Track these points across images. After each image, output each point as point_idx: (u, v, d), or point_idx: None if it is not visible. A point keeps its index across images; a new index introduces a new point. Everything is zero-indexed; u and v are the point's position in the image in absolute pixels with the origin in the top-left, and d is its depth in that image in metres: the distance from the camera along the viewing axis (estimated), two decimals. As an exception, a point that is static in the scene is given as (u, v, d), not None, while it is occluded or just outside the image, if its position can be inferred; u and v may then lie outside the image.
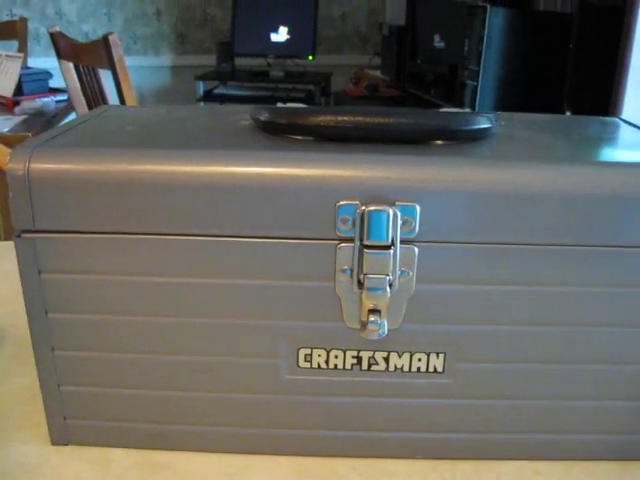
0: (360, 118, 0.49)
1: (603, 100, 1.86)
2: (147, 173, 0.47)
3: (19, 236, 0.48)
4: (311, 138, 0.51)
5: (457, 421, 0.53)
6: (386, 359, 0.51)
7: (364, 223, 0.46)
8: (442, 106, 2.65)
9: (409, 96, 3.07)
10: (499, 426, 0.53)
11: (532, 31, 2.25)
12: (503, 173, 0.46)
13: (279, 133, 0.52)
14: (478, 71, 2.22)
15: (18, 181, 0.47)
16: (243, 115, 0.59)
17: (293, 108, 0.52)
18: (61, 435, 0.54)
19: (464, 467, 0.53)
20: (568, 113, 2.01)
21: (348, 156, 0.47)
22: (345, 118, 0.49)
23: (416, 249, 0.47)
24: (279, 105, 0.55)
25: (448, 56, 2.63)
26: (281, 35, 3.50)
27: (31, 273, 0.49)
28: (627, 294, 0.49)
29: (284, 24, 3.50)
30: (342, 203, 0.46)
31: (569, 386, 0.52)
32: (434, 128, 0.50)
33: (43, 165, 0.47)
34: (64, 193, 0.47)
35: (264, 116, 0.52)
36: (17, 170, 0.47)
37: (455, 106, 2.43)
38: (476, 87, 2.26)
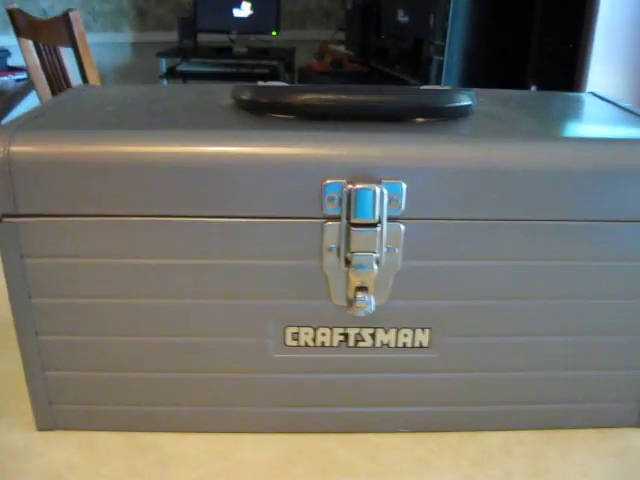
0: (344, 96, 0.49)
1: (567, 75, 1.88)
2: (129, 154, 0.46)
3: (0, 221, 0.47)
4: (294, 117, 0.51)
5: (443, 394, 0.54)
6: (372, 335, 0.51)
7: (350, 201, 0.46)
8: (407, 81, 2.66)
9: (374, 71, 3.06)
10: (483, 398, 0.54)
11: (496, 6, 2.26)
12: (486, 150, 0.47)
13: (262, 112, 0.51)
14: (444, 46, 2.22)
15: (-2, 165, 0.46)
16: (224, 94, 0.58)
17: (275, 86, 0.52)
18: (46, 420, 0.54)
19: (450, 439, 0.54)
20: (533, 88, 2.03)
21: (333, 135, 0.47)
22: (329, 96, 0.49)
23: (402, 226, 0.47)
24: (260, 83, 0.55)
25: (412, 31, 2.62)
26: (244, 11, 3.47)
27: (13, 258, 0.48)
28: (607, 267, 0.50)
29: (247, -1, 3.46)
30: (328, 182, 0.46)
31: (550, 358, 0.53)
32: (417, 106, 0.50)
33: (23, 148, 0.46)
34: (45, 176, 0.46)
35: (246, 95, 0.52)
36: (-4, 153, 0.46)
37: (420, 81, 2.44)
38: (442, 62, 2.26)
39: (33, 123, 0.49)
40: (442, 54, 2.27)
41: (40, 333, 0.51)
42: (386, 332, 0.51)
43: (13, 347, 0.52)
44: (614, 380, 0.54)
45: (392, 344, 0.52)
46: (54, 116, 0.52)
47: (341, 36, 3.44)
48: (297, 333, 0.51)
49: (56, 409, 0.54)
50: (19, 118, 0.50)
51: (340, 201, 0.46)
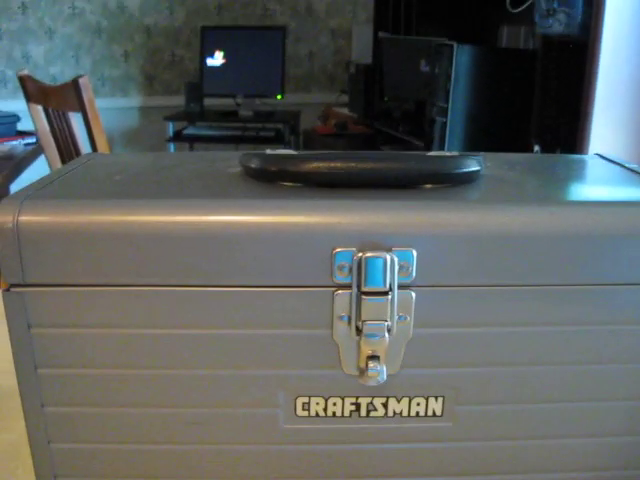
0: (352, 164, 0.49)
1: (570, 134, 1.90)
2: (138, 224, 0.46)
3: (8, 290, 0.47)
4: (302, 184, 0.51)
5: (458, 464, 0.52)
6: (385, 404, 0.50)
7: (361, 270, 0.46)
8: (411, 142, 2.69)
9: (378, 133, 3.10)
10: (500, 467, 0.52)
11: (498, 67, 2.30)
12: (496, 216, 0.47)
13: (270, 180, 0.52)
14: (447, 107, 2.26)
15: (7, 234, 0.46)
16: (232, 162, 0.58)
17: (283, 154, 0.52)
18: (51, 494, 0.53)
19: (465, 512, 0.53)
20: (536, 147, 2.05)
21: (343, 202, 0.47)
22: (338, 164, 0.49)
23: (413, 294, 0.47)
24: (268, 151, 0.55)
25: (415, 93, 2.67)
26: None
27: (20, 328, 0.48)
28: (622, 331, 0.49)
29: (252, 64, 3.53)
30: (338, 250, 0.46)
31: (567, 425, 0.52)
32: (426, 172, 0.50)
33: (32, 218, 0.46)
34: (54, 246, 0.46)
35: (254, 163, 0.52)
36: (6, 223, 0.46)
37: (424, 142, 2.46)
38: (445, 123, 2.29)
39: (42, 193, 0.49)
40: (445, 115, 2.30)
41: (46, 404, 0.50)
42: (398, 401, 0.50)
43: (18, 417, 0.51)
44: (634, 447, 0.53)
45: (405, 413, 0.51)
46: (62, 185, 0.52)
47: (345, 99, 3.50)
48: (308, 403, 0.50)
49: (61, 483, 0.52)
50: (28, 187, 0.51)
51: (350, 269, 0.46)
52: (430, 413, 0.51)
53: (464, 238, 0.46)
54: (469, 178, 0.52)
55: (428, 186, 0.51)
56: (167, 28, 3.78)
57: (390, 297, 0.46)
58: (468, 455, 0.52)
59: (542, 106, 2.08)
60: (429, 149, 2.35)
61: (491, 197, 0.50)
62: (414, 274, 0.46)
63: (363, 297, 0.46)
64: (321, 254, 0.46)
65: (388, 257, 0.45)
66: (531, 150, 2.05)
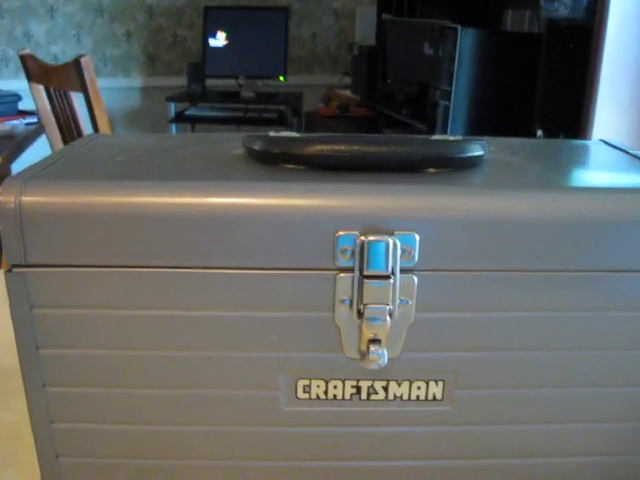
0: (356, 147, 0.49)
1: (573, 119, 1.89)
2: (141, 205, 0.46)
3: (10, 271, 0.47)
4: (305, 167, 0.50)
5: (457, 448, 0.53)
6: (385, 388, 0.51)
7: (363, 253, 0.46)
8: (413, 125, 2.68)
9: (380, 115, 3.09)
10: (499, 452, 0.53)
11: (502, 51, 2.28)
12: (499, 201, 0.47)
13: (273, 162, 0.51)
14: (450, 91, 2.25)
15: (9, 215, 0.46)
16: (235, 143, 0.58)
17: (286, 137, 0.52)
18: (53, 474, 0.53)
19: (464, 495, 0.53)
20: (539, 132, 2.04)
21: (345, 186, 0.47)
22: (341, 147, 0.49)
23: (415, 278, 0.47)
24: (271, 133, 0.55)
25: (418, 76, 2.65)
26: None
27: (22, 308, 0.48)
28: (622, 318, 0.49)
29: (255, 44, 3.51)
30: (341, 233, 0.46)
31: (567, 410, 0.52)
32: (429, 156, 0.50)
33: (35, 198, 0.46)
34: (56, 226, 0.46)
35: (258, 145, 0.52)
36: (8, 203, 0.46)
37: (427, 125, 2.45)
38: (448, 107, 2.28)
39: (44, 173, 0.49)
40: (448, 99, 2.29)
41: (48, 384, 0.50)
42: (399, 385, 0.50)
43: (19, 397, 0.52)
44: (635, 432, 0.53)
45: (405, 397, 0.51)
46: (65, 166, 0.52)
47: (348, 81, 3.49)
48: (309, 386, 0.50)
49: (63, 462, 0.53)
50: (30, 168, 0.51)
51: (353, 253, 0.46)
52: (430, 397, 0.51)
53: (466, 223, 0.46)
54: (472, 163, 0.52)
55: (431, 170, 0.51)
56: (169, 8, 3.75)
57: (392, 281, 0.46)
58: (468, 439, 0.52)
59: (546, 90, 2.07)
60: (432, 132, 2.34)
61: (494, 182, 0.50)
62: (416, 258, 0.46)
63: (365, 281, 0.46)
64: (323, 237, 0.46)
65: (390, 241, 0.45)
66: (534, 134, 2.04)
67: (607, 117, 1.82)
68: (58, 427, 0.52)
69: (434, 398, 0.51)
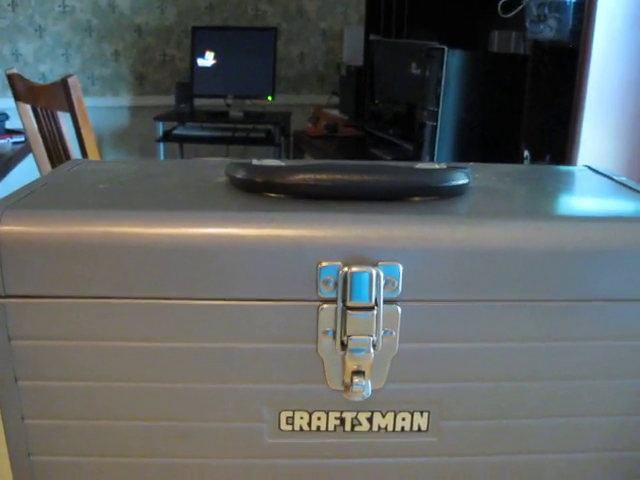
0: (339, 176, 0.48)
1: (559, 140, 1.90)
2: (121, 236, 0.45)
3: (-12, 301, 0.46)
4: (288, 196, 0.50)
5: (442, 479, 0.52)
6: (369, 419, 0.50)
7: (347, 284, 0.45)
8: (401, 145, 2.68)
9: (368, 135, 3.10)
10: (484, 484, 0.52)
11: (488, 72, 2.30)
12: (484, 230, 0.46)
13: (256, 191, 0.51)
14: (437, 111, 2.25)
15: (-13, 245, 0.45)
16: (219, 171, 0.58)
17: (269, 165, 0.52)
18: (31, 508, 0.52)
19: (450, 528, 0.52)
20: (526, 152, 2.05)
21: (328, 215, 0.46)
22: (324, 176, 0.48)
23: (399, 309, 0.46)
24: (254, 161, 0.54)
25: (405, 97, 2.66)
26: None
27: (0, 340, 0.47)
28: (608, 347, 0.49)
29: (243, 64, 3.52)
30: (324, 264, 0.45)
31: (553, 440, 0.51)
32: (414, 185, 0.50)
33: (13, 228, 0.45)
34: (35, 257, 0.45)
35: (240, 174, 0.51)
36: (-14, 233, 0.45)
37: (414, 145, 2.46)
38: (435, 127, 2.29)
39: (24, 202, 0.48)
40: (435, 119, 2.30)
41: (27, 417, 0.49)
42: (383, 416, 0.50)
43: (-2, 430, 0.51)
44: (621, 462, 0.53)
45: (390, 428, 0.50)
46: (45, 194, 0.51)
47: (336, 101, 3.50)
48: (292, 417, 0.50)
49: (41, 496, 0.52)
50: (10, 196, 0.50)
51: (336, 284, 0.45)
52: (415, 428, 0.50)
53: (451, 253, 0.46)
54: (457, 191, 0.52)
55: (416, 199, 0.51)
56: (158, 27, 3.76)
57: (376, 312, 0.46)
58: (453, 470, 0.52)
59: (532, 111, 2.08)
60: (419, 152, 2.35)
61: (479, 211, 0.50)
62: (400, 289, 0.46)
63: (348, 312, 0.46)
64: (306, 268, 0.45)
65: (374, 272, 0.45)
66: (521, 155, 2.05)
67: (593, 138, 1.83)
68: (37, 460, 0.51)
69: (419, 429, 0.50)
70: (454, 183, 0.51)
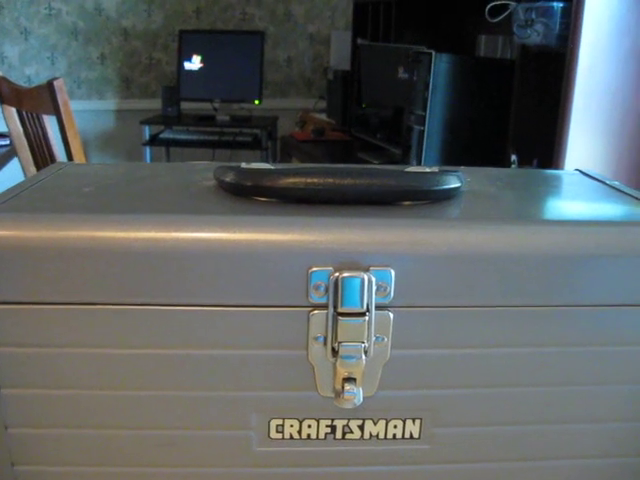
0: (330, 180, 0.48)
1: (547, 144, 1.90)
2: (107, 240, 0.44)
3: (-30, 308, 0.45)
4: (278, 200, 0.49)
5: (434, 489, 0.51)
6: (361, 427, 0.49)
7: (338, 290, 0.44)
8: (388, 149, 2.68)
9: (355, 139, 3.09)
10: (477, 493, 0.51)
11: (476, 76, 2.30)
12: (476, 235, 0.46)
13: (245, 195, 0.50)
14: (424, 115, 2.25)
15: (-31, 250, 0.44)
16: (206, 174, 0.57)
17: (259, 169, 0.51)
18: (14, 519, 0.51)
19: (442, 537, 0.51)
20: (513, 157, 2.05)
21: (319, 220, 0.45)
22: (314, 180, 0.48)
23: (391, 314, 0.46)
24: (243, 165, 0.54)
25: (393, 101, 2.66)
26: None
27: (-17, 347, 0.46)
28: (602, 353, 0.48)
29: (230, 68, 3.51)
30: (314, 269, 0.44)
31: (546, 447, 0.51)
32: (406, 189, 0.49)
33: (-3, 232, 0.44)
34: (17, 262, 0.44)
35: (229, 177, 0.50)
36: (-31, 238, 0.44)
37: (402, 149, 2.46)
38: (422, 131, 2.29)
39: (7, 206, 0.47)
40: (423, 123, 2.30)
41: (10, 426, 0.48)
42: (375, 423, 0.49)
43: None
44: (615, 468, 0.52)
45: (381, 435, 0.49)
46: (30, 198, 0.50)
47: (323, 105, 3.49)
48: (282, 425, 0.49)
49: (24, 507, 0.50)
50: (-6, 200, 0.49)
51: (327, 289, 0.45)
52: (407, 435, 0.50)
53: (443, 257, 0.45)
54: (449, 195, 0.51)
55: (407, 203, 0.50)
56: (145, 31, 3.74)
57: (367, 318, 0.45)
58: (446, 478, 0.51)
59: (519, 116, 2.08)
60: (406, 157, 2.35)
61: (471, 215, 0.49)
62: (392, 294, 0.45)
63: (339, 318, 0.45)
64: (296, 273, 0.45)
65: (365, 277, 0.44)
66: (508, 159, 2.05)
67: (580, 142, 1.83)
68: (21, 470, 0.49)
69: (411, 436, 0.50)
70: (446, 186, 0.50)
